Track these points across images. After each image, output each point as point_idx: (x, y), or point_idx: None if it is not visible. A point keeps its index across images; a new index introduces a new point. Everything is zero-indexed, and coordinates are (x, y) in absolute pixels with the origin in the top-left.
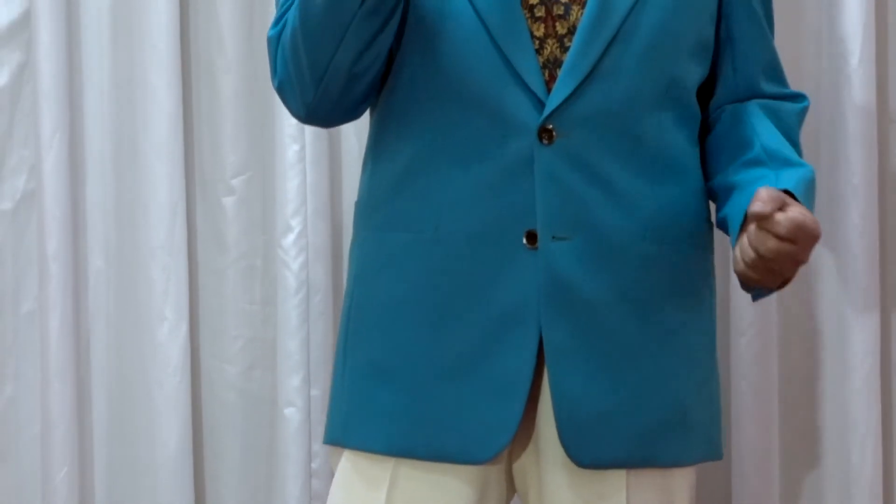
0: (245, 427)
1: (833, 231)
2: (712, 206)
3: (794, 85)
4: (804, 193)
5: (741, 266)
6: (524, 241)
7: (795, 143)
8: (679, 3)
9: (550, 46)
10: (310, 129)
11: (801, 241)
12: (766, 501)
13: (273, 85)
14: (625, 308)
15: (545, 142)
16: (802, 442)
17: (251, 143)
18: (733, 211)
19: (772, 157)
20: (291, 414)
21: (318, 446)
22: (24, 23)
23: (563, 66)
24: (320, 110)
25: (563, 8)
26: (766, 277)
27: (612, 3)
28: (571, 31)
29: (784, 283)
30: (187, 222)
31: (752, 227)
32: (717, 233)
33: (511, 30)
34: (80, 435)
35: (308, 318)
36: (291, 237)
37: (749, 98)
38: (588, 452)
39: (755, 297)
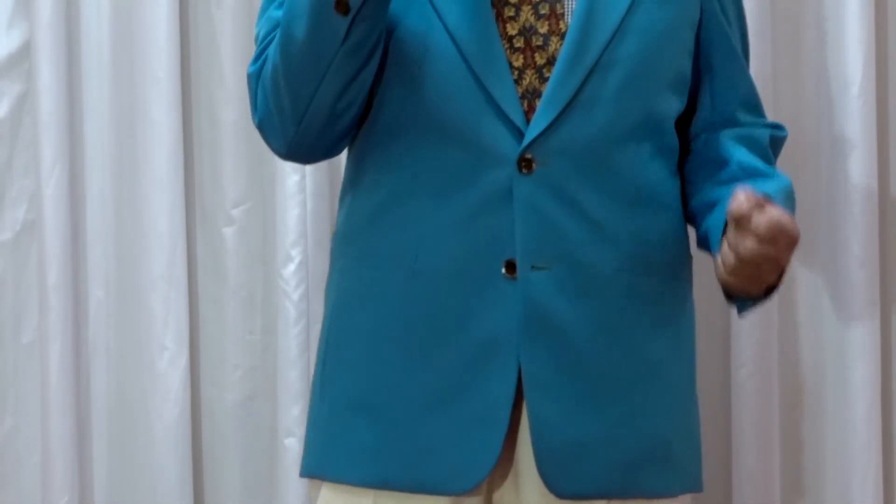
0: (245, 457)
1: (833, 261)
2: (692, 237)
3: (795, 115)
4: (783, 199)
5: (722, 271)
6: (503, 270)
7: (771, 163)
8: (657, 36)
9: (529, 77)
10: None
11: (781, 242)
12: None
13: (253, 121)
14: (604, 339)
15: (524, 171)
16: (803, 473)
17: (251, 174)
18: (713, 222)
19: (748, 172)
20: (292, 444)
21: None
22: (24, 53)
23: (543, 96)
24: (302, 147)
25: (541, 39)
26: (747, 283)
27: (590, 35)
28: (550, 62)
29: (768, 291)
30: (187, 252)
31: (730, 230)
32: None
33: (490, 60)
34: (81, 465)
35: (308, 349)
36: (292, 267)
37: (729, 128)
38: (567, 483)
39: (740, 311)
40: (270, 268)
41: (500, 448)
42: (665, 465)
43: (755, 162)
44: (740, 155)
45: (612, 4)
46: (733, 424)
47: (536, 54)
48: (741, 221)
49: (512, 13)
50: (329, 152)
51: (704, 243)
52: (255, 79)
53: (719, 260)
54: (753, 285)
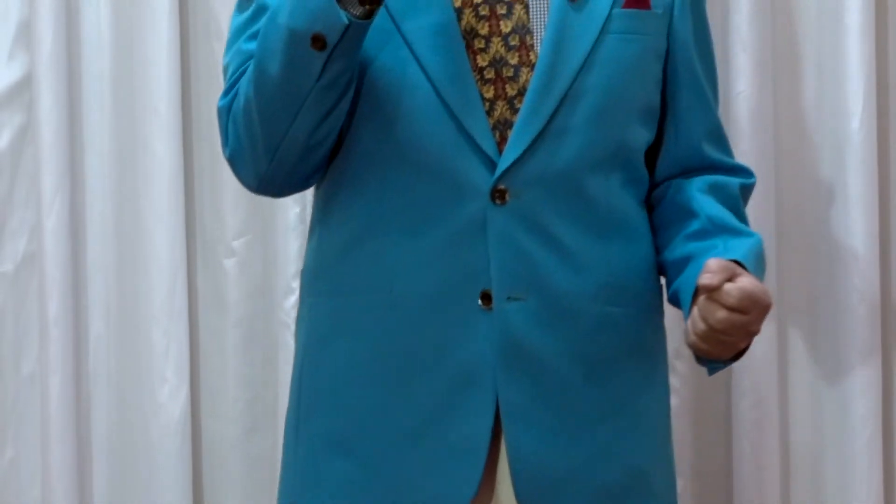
0: (246, 488)
1: (834, 293)
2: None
3: (795, 148)
4: (754, 263)
5: (692, 338)
6: (479, 302)
7: (742, 216)
8: (625, 66)
9: (500, 108)
10: (310, 192)
11: (752, 312)
12: None
13: (224, 155)
14: (579, 369)
15: (498, 203)
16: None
17: (252, 206)
18: (684, 284)
19: (718, 227)
20: None
21: None
22: (25, 85)
23: (514, 127)
24: (274, 181)
25: (512, 70)
26: (718, 349)
27: (560, 65)
28: (521, 93)
29: (738, 355)
30: (188, 284)
31: (701, 299)
32: None
33: (462, 93)
34: (81, 497)
35: None
36: (292, 299)
37: (693, 165)
38: None
39: (711, 371)
40: (271, 300)
41: (479, 480)
42: (643, 495)
43: (725, 216)
44: (711, 208)
45: (580, 35)
46: (734, 455)
47: (507, 85)
48: (712, 293)
49: (482, 45)
50: (300, 186)
51: (674, 301)
52: (225, 112)
53: (689, 325)
54: (724, 351)
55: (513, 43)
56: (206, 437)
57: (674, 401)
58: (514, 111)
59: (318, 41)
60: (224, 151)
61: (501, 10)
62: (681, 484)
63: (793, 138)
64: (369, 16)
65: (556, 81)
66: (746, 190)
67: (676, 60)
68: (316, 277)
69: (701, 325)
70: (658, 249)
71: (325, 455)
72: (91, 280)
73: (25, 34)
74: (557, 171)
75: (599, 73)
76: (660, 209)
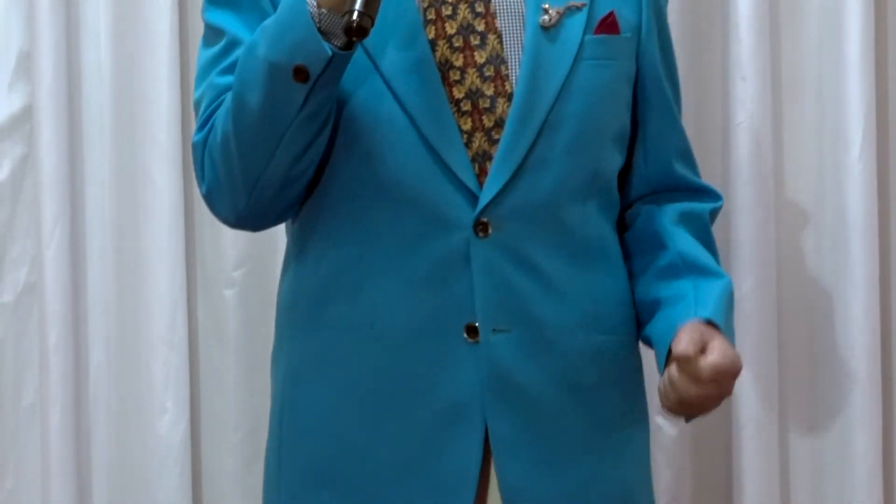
0: None
1: (834, 324)
2: None
3: (795, 178)
4: (725, 316)
5: (664, 403)
6: (464, 335)
7: (711, 247)
8: (600, 94)
9: (479, 140)
10: None
11: (723, 383)
12: None
13: (200, 191)
14: (566, 398)
15: (481, 235)
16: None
17: (252, 236)
18: (656, 338)
19: (688, 264)
20: None
21: None
22: (25, 116)
23: (495, 159)
24: (252, 215)
25: (488, 101)
26: (690, 412)
27: (536, 96)
28: (498, 124)
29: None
30: (188, 314)
31: (674, 369)
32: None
33: (439, 125)
34: None
35: None
36: None
37: (664, 184)
38: None
39: (687, 420)
40: (271, 329)
41: None
42: None
43: (696, 253)
44: (682, 242)
45: (554, 64)
46: (734, 486)
47: (484, 117)
48: (685, 364)
49: (457, 77)
50: (277, 220)
51: (646, 342)
52: (201, 147)
53: (661, 391)
54: (697, 413)
55: (488, 73)
56: (206, 467)
57: (674, 431)
58: (493, 142)
59: (301, 73)
60: (200, 187)
61: (475, 41)
62: None
63: (793, 168)
64: (350, 46)
65: (533, 112)
66: (715, 214)
67: (646, 81)
68: (294, 312)
69: (673, 396)
70: (629, 274)
71: (311, 489)
72: (91, 310)
73: (26, 65)
74: (538, 201)
75: (575, 101)
76: (631, 235)
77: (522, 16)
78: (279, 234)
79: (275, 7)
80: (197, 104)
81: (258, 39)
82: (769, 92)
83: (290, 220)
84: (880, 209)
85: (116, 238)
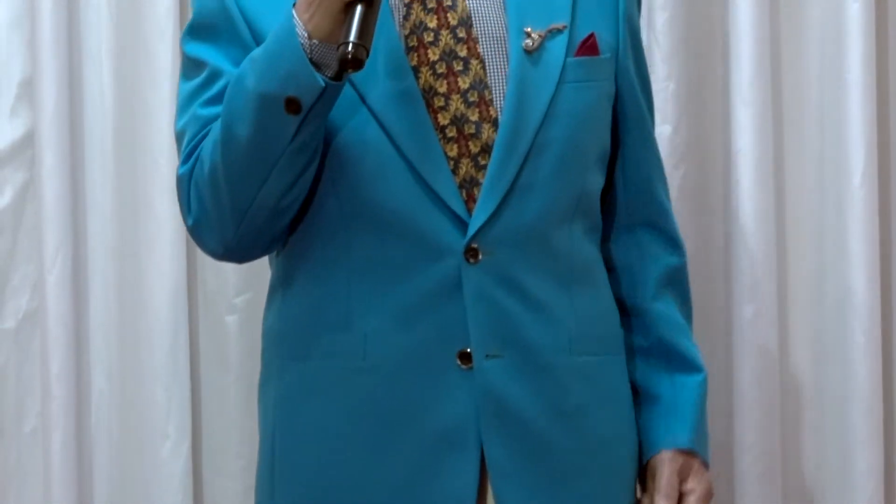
0: None
1: (837, 349)
2: None
3: (796, 205)
4: (699, 433)
5: None
6: (458, 361)
7: (689, 309)
8: (583, 116)
9: (465, 166)
10: None
11: None
12: None
13: (186, 224)
14: (559, 421)
15: (471, 261)
16: None
17: (253, 262)
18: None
19: (663, 353)
20: None
21: None
22: (27, 142)
23: (483, 185)
24: (240, 246)
25: (473, 126)
26: None
27: (522, 120)
28: (485, 150)
29: None
30: (190, 341)
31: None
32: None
33: (426, 152)
34: None
35: None
36: None
37: (643, 203)
38: None
39: None
40: None
41: None
42: None
43: (675, 340)
44: (661, 325)
45: (538, 88)
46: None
47: (470, 143)
48: None
49: (442, 103)
50: (264, 251)
51: None
52: (187, 180)
53: None
54: None
55: (472, 99)
56: (208, 493)
57: None
58: (479, 168)
59: (293, 105)
60: (186, 220)
61: (458, 67)
62: None
63: (794, 195)
64: (342, 76)
65: (519, 137)
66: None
67: (625, 101)
68: (282, 341)
69: None
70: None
71: None
72: (93, 336)
73: (28, 91)
74: (526, 226)
75: (560, 124)
76: (615, 275)
77: (504, 40)
78: None
79: (255, 38)
80: (180, 136)
81: (247, 70)
82: (770, 119)
83: (275, 252)
84: (881, 235)
85: (118, 264)
